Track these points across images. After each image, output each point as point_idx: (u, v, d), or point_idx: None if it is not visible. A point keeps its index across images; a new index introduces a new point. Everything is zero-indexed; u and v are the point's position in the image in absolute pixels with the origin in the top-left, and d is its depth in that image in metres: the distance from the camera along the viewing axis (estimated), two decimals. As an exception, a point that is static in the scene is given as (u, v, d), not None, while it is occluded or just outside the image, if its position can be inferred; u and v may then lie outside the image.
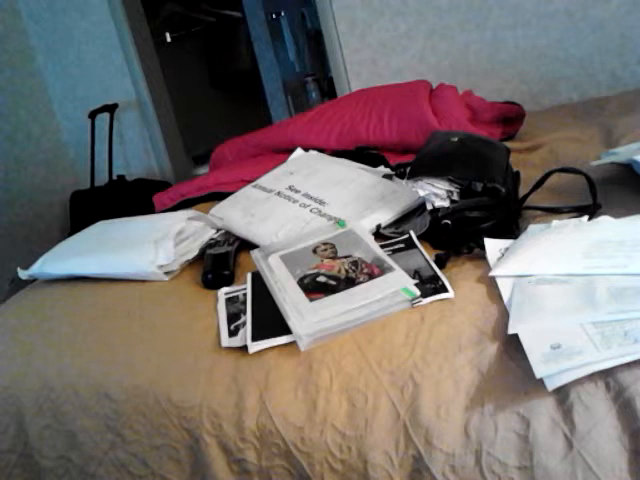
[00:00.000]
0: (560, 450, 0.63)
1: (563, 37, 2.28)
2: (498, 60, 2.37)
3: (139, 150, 3.12)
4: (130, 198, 2.70)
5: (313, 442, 0.73)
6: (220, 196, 1.44)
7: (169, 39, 3.98)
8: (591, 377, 0.64)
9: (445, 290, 0.83)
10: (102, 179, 2.99)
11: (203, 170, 2.75)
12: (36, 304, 1.14)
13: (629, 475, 0.61)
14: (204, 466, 0.80)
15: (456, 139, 1.09)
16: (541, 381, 0.64)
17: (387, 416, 0.71)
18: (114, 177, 2.99)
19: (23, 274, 1.21)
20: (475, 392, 0.69)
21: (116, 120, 3.02)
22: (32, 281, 1.26)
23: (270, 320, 0.85)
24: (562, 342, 0.65)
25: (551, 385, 0.62)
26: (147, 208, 1.69)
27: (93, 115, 2.93)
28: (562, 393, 0.65)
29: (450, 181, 1.00)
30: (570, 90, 2.31)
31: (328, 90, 3.95)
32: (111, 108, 2.96)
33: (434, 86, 1.76)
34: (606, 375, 0.64)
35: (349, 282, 0.88)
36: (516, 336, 0.70)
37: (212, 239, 1.19)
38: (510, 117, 1.66)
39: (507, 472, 0.65)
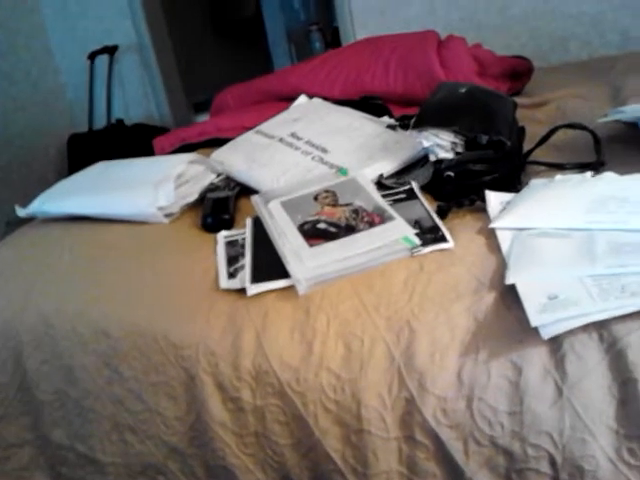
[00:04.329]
0: (550, 397, 0.64)
1: (576, -8, 2.23)
2: (508, 15, 2.32)
3: (138, 95, 3.06)
4: (129, 143, 2.67)
5: (308, 383, 0.75)
6: (221, 142, 1.42)
7: (171, -19, 3.85)
8: (585, 328, 0.64)
9: (445, 240, 0.83)
10: (100, 123, 2.95)
11: (203, 117, 2.71)
12: (35, 241, 1.14)
13: (615, 422, 0.62)
14: (199, 403, 0.81)
15: (463, 90, 1.07)
16: (535, 330, 0.64)
17: (382, 360, 0.72)
18: (113, 121, 2.94)
19: (21, 212, 1.20)
20: (470, 339, 0.70)
21: (116, 63, 2.95)
22: (29, 222, 1.25)
23: (269, 264, 0.85)
24: (559, 293, 0.66)
25: (546, 334, 0.63)
26: (146, 153, 1.66)
27: (93, 56, 2.86)
28: (556, 343, 0.65)
29: (455, 133, 0.99)
30: (579, 49, 2.27)
31: (332, 41, 3.86)
32: (111, 50, 2.89)
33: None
34: (600, 327, 0.64)
35: (349, 230, 0.88)
36: (513, 287, 0.70)
37: (212, 184, 1.18)
38: (518, 72, 1.63)
39: (497, 417, 0.66)
